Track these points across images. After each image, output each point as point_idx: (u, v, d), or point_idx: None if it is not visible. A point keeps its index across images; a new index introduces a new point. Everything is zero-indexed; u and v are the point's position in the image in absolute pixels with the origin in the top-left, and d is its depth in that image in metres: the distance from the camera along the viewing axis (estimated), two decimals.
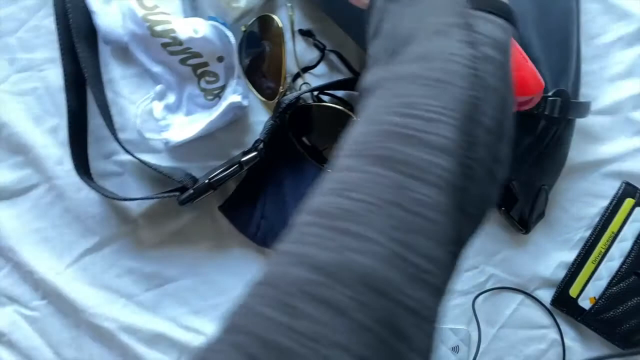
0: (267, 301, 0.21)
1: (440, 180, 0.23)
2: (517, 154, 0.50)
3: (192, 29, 0.54)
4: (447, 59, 0.26)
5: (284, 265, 0.22)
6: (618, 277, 0.56)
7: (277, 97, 0.55)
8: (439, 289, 0.23)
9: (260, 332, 0.20)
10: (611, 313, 0.56)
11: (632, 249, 0.56)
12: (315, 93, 0.55)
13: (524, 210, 0.55)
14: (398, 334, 0.20)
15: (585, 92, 0.57)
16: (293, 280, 0.21)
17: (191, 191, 0.52)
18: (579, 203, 0.58)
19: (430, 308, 0.22)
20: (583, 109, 0.52)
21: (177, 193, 0.54)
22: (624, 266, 0.56)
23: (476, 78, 0.25)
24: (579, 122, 0.57)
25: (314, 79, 0.58)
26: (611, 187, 0.57)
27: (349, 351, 0.19)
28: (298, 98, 0.54)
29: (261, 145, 0.54)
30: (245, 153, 0.55)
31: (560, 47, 0.50)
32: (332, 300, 0.20)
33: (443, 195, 0.23)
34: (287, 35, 0.56)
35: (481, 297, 0.57)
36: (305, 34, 0.57)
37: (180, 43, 0.54)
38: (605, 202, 0.57)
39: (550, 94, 0.48)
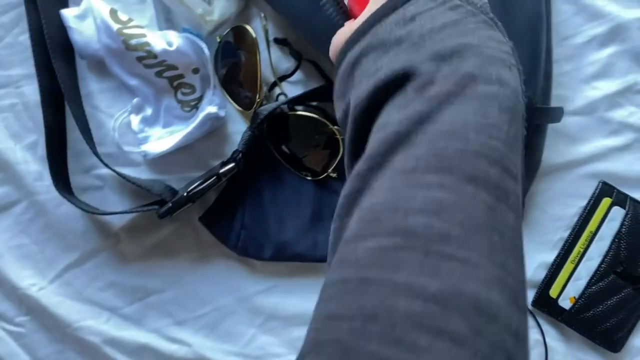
0: (376, 339, 0.19)
1: (518, 206, 0.24)
2: None
3: (166, 41, 0.55)
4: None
5: (381, 296, 0.20)
6: (597, 277, 0.56)
7: (254, 107, 0.55)
8: (525, 309, 0.23)
9: None
10: (591, 312, 0.56)
11: (610, 247, 0.56)
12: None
13: None
14: (509, 358, 0.20)
15: (560, 93, 0.57)
16: (404, 313, 0.19)
17: (170, 204, 0.53)
18: (557, 204, 0.58)
19: (525, 328, 0.22)
20: (554, 114, 0.52)
21: (156, 206, 0.54)
22: (602, 265, 0.56)
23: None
24: (556, 123, 0.58)
25: (290, 87, 0.58)
26: (589, 187, 0.58)
27: None
28: (277, 108, 0.54)
29: (239, 156, 0.54)
30: (223, 164, 0.55)
31: (528, 52, 0.50)
32: (451, 330, 0.19)
33: (519, 221, 0.24)
34: (263, 45, 0.56)
35: None
36: (281, 42, 0.57)
37: (155, 56, 0.55)
38: (583, 202, 0.58)
39: None
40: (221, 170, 0.54)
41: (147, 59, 0.55)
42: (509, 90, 0.26)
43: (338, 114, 0.33)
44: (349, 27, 0.34)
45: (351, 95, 0.29)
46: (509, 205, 0.23)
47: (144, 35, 0.55)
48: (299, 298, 0.58)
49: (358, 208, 0.24)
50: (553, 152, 0.58)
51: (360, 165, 0.26)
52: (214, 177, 0.53)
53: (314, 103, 0.57)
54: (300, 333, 0.58)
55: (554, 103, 0.57)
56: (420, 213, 0.21)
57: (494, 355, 0.19)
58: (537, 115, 0.51)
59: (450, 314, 0.19)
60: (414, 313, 0.19)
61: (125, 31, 0.55)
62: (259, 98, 0.55)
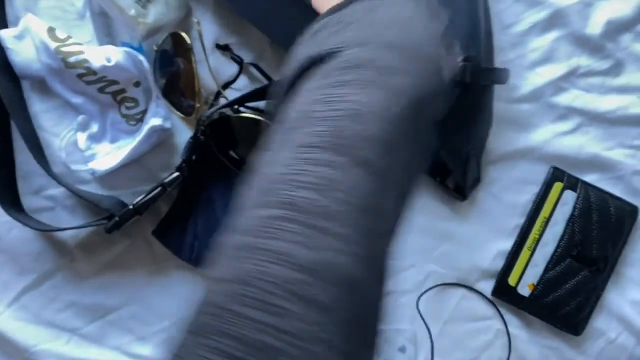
0: (247, 301, 0.20)
1: (402, 195, 0.26)
2: (439, 121, 0.51)
3: (105, 57, 0.54)
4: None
5: (259, 262, 0.21)
6: (554, 262, 0.56)
7: (195, 113, 0.55)
8: (384, 286, 0.26)
9: (242, 333, 0.19)
10: (551, 297, 0.56)
11: (564, 232, 0.56)
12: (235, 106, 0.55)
13: (457, 178, 0.55)
14: (369, 328, 0.23)
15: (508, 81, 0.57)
16: (276, 279, 0.20)
17: (117, 218, 0.52)
18: (510, 191, 0.58)
19: (382, 301, 0.25)
20: (500, 75, 0.52)
21: (105, 221, 0.54)
22: (558, 250, 0.56)
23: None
24: (503, 111, 0.58)
25: (236, 93, 0.58)
26: (540, 173, 0.58)
27: (333, 347, 0.20)
28: (217, 112, 0.54)
29: (183, 165, 0.54)
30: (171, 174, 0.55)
31: (467, 14, 0.50)
32: (318, 299, 0.20)
33: (399, 209, 0.25)
34: (203, 51, 0.56)
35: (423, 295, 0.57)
36: (222, 48, 0.57)
37: (95, 72, 0.54)
38: (536, 189, 0.58)
39: (459, 60, 0.49)
40: (166, 180, 0.53)
41: (87, 75, 0.55)
42: (419, 92, 0.27)
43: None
44: None
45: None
46: (391, 192, 0.24)
47: (82, 52, 0.54)
48: None
49: (258, 171, 0.25)
50: (503, 140, 0.58)
51: (270, 135, 0.27)
52: (159, 188, 0.53)
53: (259, 104, 0.57)
54: None
55: (499, 92, 0.57)
56: (307, 188, 0.22)
57: (356, 324, 0.21)
58: (482, 76, 0.51)
59: (319, 284, 0.20)
60: (286, 279, 0.20)
61: (64, 49, 0.54)
62: (198, 104, 0.54)
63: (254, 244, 0.22)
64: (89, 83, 0.55)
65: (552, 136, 0.58)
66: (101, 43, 0.57)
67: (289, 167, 0.24)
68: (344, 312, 0.21)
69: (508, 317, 0.57)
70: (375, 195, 0.23)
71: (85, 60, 0.54)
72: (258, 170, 0.25)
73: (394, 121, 0.25)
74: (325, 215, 0.22)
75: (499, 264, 0.57)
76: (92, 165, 0.57)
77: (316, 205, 0.22)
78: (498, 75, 0.53)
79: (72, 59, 0.54)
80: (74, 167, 0.57)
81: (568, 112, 0.58)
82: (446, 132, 0.52)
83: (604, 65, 0.58)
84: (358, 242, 0.22)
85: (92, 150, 0.57)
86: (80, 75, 0.55)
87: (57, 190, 0.57)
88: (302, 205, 0.22)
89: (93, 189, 0.58)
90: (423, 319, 0.57)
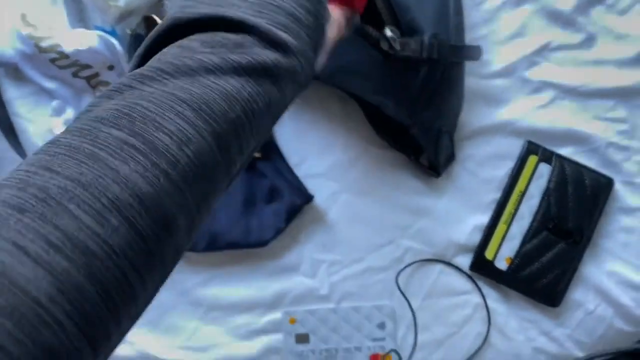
0: (79, 202, 0.22)
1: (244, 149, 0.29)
2: (408, 99, 0.51)
3: (78, 41, 0.54)
4: None
5: (102, 175, 0.23)
6: (530, 235, 0.57)
7: None
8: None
9: (65, 227, 0.21)
10: (528, 270, 0.56)
11: (540, 205, 0.57)
12: None
13: (430, 154, 0.55)
14: (165, 264, 0.24)
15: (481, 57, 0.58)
16: (114, 197, 0.22)
17: None
18: (486, 166, 0.59)
19: (184, 249, 0.26)
20: (470, 52, 0.53)
21: None
22: (534, 223, 0.57)
23: None
24: (477, 87, 0.58)
25: None
26: (515, 147, 0.58)
27: (133, 265, 0.22)
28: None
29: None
30: None
31: None
32: (140, 228, 0.23)
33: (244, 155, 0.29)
34: None
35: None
36: None
37: (67, 57, 0.54)
38: (511, 163, 0.58)
39: (425, 37, 0.49)
40: None
41: (60, 59, 0.55)
42: (280, 97, 0.29)
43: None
44: None
45: None
46: (227, 170, 0.27)
47: (54, 37, 0.54)
48: (237, 285, 0.58)
49: (127, 92, 0.26)
50: (477, 116, 0.58)
51: (152, 63, 0.27)
52: None
53: None
54: (244, 320, 0.58)
55: (472, 68, 0.58)
56: (168, 134, 0.24)
57: (155, 257, 0.24)
58: (452, 53, 0.51)
59: (145, 216, 0.23)
60: (120, 200, 0.22)
61: (36, 34, 0.54)
62: None
63: (103, 159, 0.23)
64: (62, 67, 0.55)
65: (526, 110, 0.58)
66: (74, 28, 0.57)
67: (158, 106, 0.25)
68: (154, 246, 0.23)
69: (486, 290, 0.58)
70: (215, 166, 0.26)
71: (58, 45, 0.54)
72: (119, 91, 0.26)
73: (251, 115, 0.28)
74: (173, 162, 0.24)
75: (476, 238, 0.58)
76: None
77: (168, 152, 0.24)
78: (468, 53, 0.53)
79: (44, 44, 0.54)
80: None
81: (542, 86, 0.58)
82: (416, 109, 0.52)
83: (576, 39, 0.58)
84: (187, 196, 0.25)
85: None
86: (53, 60, 0.55)
87: None
88: (157, 146, 0.24)
89: None
90: (404, 295, 0.57)
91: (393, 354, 0.57)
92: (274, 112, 0.30)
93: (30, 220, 0.21)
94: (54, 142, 0.24)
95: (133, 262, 0.22)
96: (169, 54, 0.27)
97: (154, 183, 0.23)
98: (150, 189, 0.23)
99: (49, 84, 0.56)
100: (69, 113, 0.57)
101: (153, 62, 0.27)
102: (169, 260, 0.25)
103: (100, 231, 0.21)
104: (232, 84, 0.27)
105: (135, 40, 0.56)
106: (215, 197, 0.27)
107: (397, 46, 0.49)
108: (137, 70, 0.27)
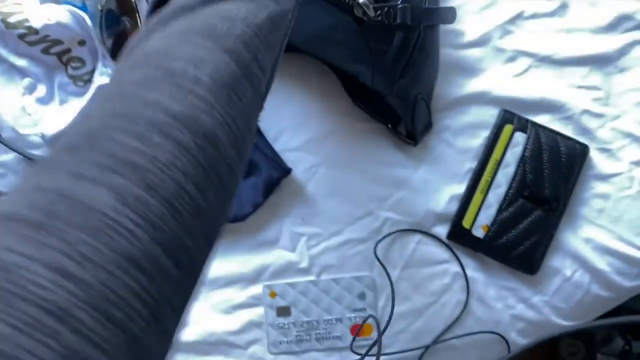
0: (121, 131, 0.23)
1: (258, 88, 0.30)
2: (384, 67, 0.51)
3: (46, 16, 0.53)
4: None
5: (134, 104, 0.25)
6: (506, 202, 0.57)
7: None
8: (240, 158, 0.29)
9: (113, 152, 0.23)
10: (504, 238, 0.57)
11: (515, 173, 0.57)
12: None
13: (407, 123, 0.55)
14: (220, 178, 0.26)
15: (453, 27, 0.58)
16: (147, 118, 0.24)
17: None
18: (462, 136, 0.59)
19: (238, 167, 0.28)
20: (444, 14, 0.52)
21: None
22: (510, 191, 0.57)
23: None
24: (452, 57, 0.58)
25: None
26: (491, 117, 0.58)
27: (187, 176, 0.24)
28: None
29: None
30: None
31: None
32: (180, 139, 0.24)
33: (256, 98, 0.30)
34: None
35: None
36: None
37: (36, 32, 0.54)
38: (487, 132, 0.58)
39: (399, 2, 0.49)
40: None
41: (29, 35, 0.54)
42: (279, 9, 0.32)
43: None
44: None
45: None
46: (250, 82, 0.29)
47: (22, 12, 0.53)
48: (219, 260, 0.58)
49: (138, 48, 0.29)
50: (453, 86, 0.58)
51: (151, 20, 0.30)
52: None
53: None
54: (225, 295, 0.58)
55: (447, 38, 0.57)
56: (182, 60, 0.26)
57: (209, 169, 0.25)
58: (426, 16, 0.51)
59: (183, 129, 0.24)
60: (156, 120, 0.24)
61: (3, 9, 0.53)
62: None
63: (127, 93, 0.25)
64: (31, 44, 0.54)
65: (501, 80, 0.59)
66: (43, 2, 0.56)
67: (167, 44, 0.28)
68: (202, 158, 0.25)
69: (465, 260, 0.58)
70: (236, 78, 0.28)
71: (26, 20, 0.53)
72: (137, 44, 0.29)
73: (255, 28, 0.30)
74: (194, 80, 0.26)
75: (453, 207, 0.58)
76: (41, 128, 0.56)
77: (187, 74, 0.26)
78: (442, 15, 0.53)
79: (12, 19, 0.53)
80: (22, 131, 0.56)
81: (516, 54, 0.59)
82: (392, 76, 0.52)
83: (549, 6, 0.59)
84: (218, 109, 0.26)
85: (40, 113, 0.56)
86: (21, 36, 0.54)
87: (8, 157, 0.57)
88: (175, 71, 0.26)
89: (44, 153, 0.58)
90: (383, 265, 0.57)
91: (371, 320, 0.57)
92: (278, 23, 0.32)
93: (81, 155, 0.23)
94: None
95: (185, 172, 0.23)
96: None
97: (182, 101, 0.25)
98: (181, 106, 0.25)
99: (20, 62, 0.56)
100: (41, 90, 0.56)
101: (155, 17, 0.30)
102: (224, 175, 0.26)
103: (146, 149, 0.23)
104: (228, 7, 0.30)
105: (106, 16, 0.56)
106: (249, 112, 0.29)
107: (371, 12, 0.48)
108: (143, 28, 0.30)
